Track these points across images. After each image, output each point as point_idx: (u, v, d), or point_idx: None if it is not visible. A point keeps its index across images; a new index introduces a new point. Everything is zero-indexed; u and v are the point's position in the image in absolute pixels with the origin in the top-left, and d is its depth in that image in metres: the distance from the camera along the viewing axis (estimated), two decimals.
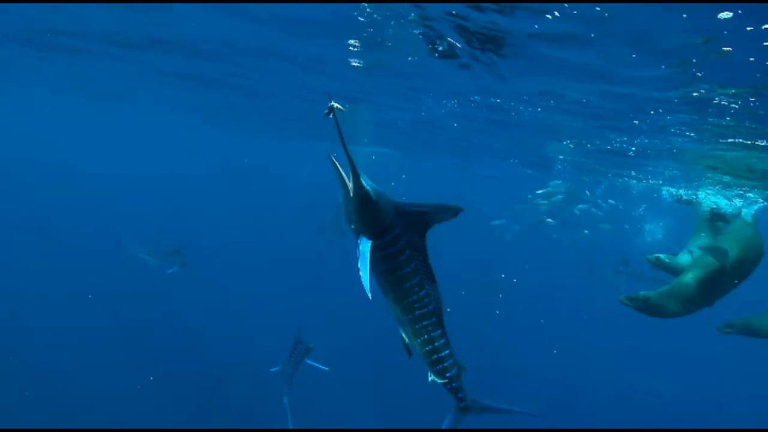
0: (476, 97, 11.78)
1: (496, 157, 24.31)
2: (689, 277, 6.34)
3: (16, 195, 30.79)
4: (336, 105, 2.64)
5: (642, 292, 6.33)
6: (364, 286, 2.89)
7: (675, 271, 7.15)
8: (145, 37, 10.98)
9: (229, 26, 8.98)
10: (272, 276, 24.35)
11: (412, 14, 6.53)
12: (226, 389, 16.02)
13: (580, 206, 21.17)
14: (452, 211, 3.22)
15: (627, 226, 28.41)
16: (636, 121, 10.65)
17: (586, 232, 21.33)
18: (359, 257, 2.94)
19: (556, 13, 5.37)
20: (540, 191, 21.53)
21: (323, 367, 11.09)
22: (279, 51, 10.36)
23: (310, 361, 10.41)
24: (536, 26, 5.91)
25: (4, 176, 34.61)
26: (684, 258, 7.13)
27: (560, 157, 19.09)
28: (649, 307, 6.28)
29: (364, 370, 16.45)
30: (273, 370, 9.47)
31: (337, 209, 3.36)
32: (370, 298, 3.13)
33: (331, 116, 2.67)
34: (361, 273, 2.89)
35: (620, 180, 21.60)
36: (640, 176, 20.04)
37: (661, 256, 7.30)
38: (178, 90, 18.29)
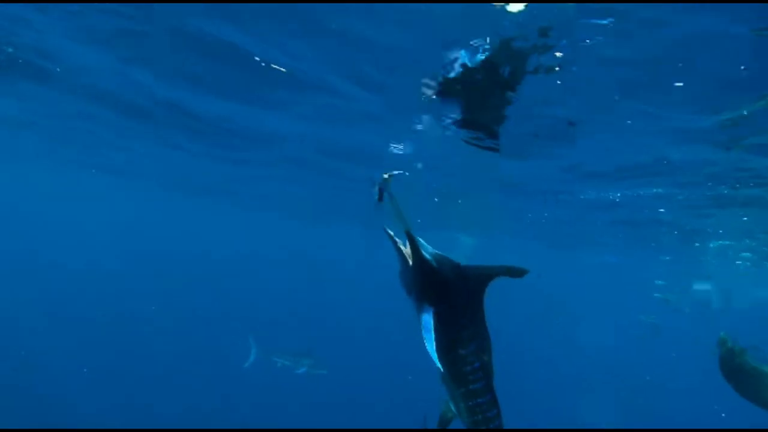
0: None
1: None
2: None
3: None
4: (387, 176, 2.84)
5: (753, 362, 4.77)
6: (433, 357, 2.97)
7: None
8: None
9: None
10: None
11: None
12: None
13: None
14: (517, 272, 3.03)
15: None
16: None
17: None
18: (423, 328, 2.99)
19: None
20: None
21: None
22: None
23: None
24: None
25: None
26: None
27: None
28: (736, 372, 4.74)
29: None
30: None
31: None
32: (443, 371, 3.18)
33: (383, 199, 2.89)
34: (427, 344, 2.96)
35: None
36: None
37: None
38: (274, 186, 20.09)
